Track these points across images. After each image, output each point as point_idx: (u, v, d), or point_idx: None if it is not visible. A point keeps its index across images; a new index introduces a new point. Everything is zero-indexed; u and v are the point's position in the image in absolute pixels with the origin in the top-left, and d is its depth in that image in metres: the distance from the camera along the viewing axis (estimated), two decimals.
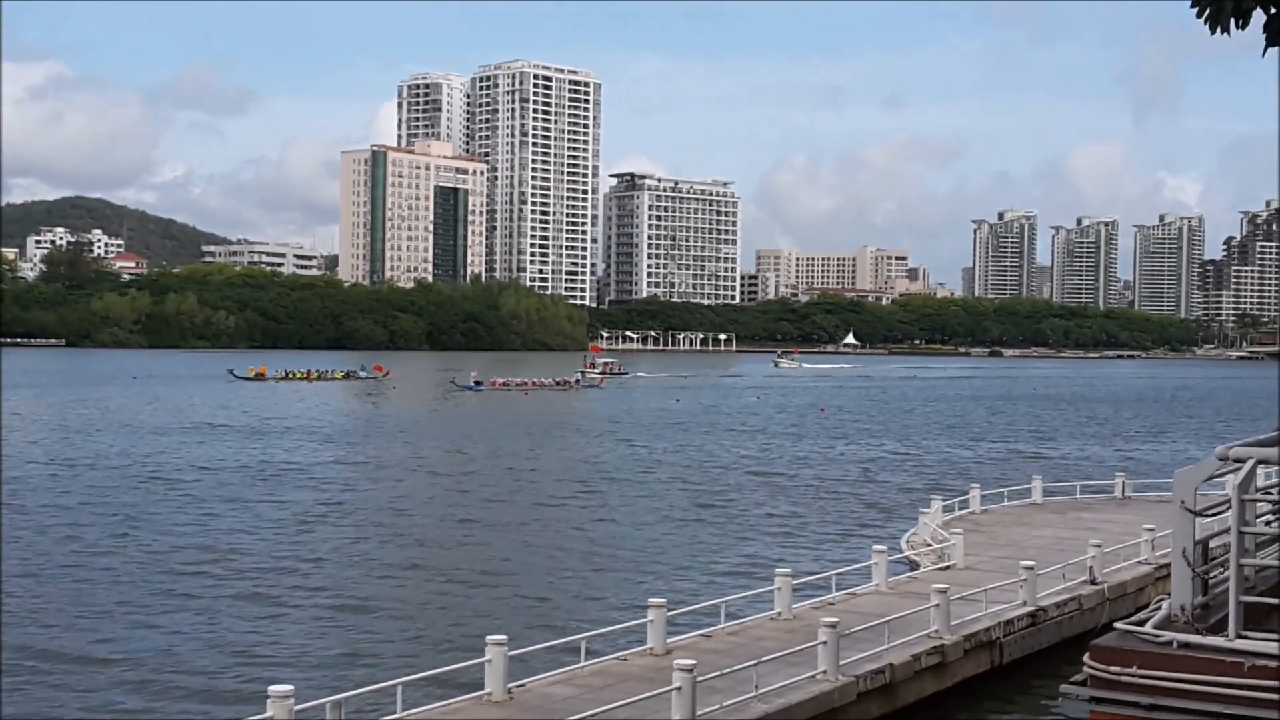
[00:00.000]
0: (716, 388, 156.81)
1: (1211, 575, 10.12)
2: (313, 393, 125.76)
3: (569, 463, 62.57)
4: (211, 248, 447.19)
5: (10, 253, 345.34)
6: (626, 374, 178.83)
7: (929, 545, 30.58)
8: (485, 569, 33.95)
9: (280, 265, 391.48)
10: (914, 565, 29.57)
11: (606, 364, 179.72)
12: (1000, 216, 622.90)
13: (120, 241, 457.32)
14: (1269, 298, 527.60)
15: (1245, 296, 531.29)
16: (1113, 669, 9.23)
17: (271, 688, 15.37)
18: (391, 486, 52.33)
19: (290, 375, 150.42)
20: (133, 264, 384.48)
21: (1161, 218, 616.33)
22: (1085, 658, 9.44)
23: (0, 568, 32.25)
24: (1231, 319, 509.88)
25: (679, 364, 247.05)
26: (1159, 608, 9.87)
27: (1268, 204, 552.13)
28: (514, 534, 40.12)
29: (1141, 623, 9.66)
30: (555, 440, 75.88)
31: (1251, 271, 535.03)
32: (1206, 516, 10.29)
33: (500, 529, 41.08)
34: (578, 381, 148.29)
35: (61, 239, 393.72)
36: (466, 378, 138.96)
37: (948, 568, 28.11)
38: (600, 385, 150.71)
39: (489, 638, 18.23)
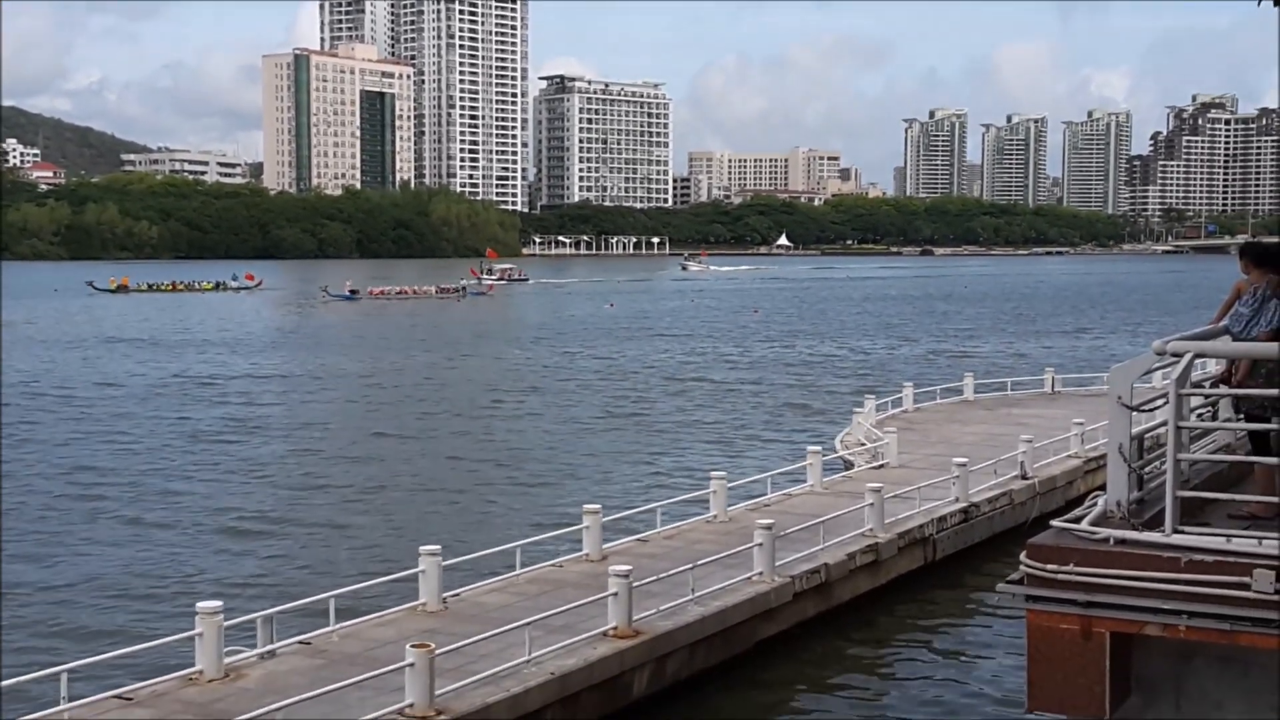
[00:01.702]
0: (647, 292, 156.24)
1: (1146, 471, 10.06)
2: (186, 304, 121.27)
3: (491, 373, 61.89)
4: (131, 156, 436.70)
5: None
6: (527, 280, 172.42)
7: (863, 445, 30.73)
8: (413, 482, 33.56)
9: (203, 174, 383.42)
10: (848, 465, 29.73)
11: (505, 270, 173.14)
12: (931, 115, 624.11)
13: (36, 151, 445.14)
14: (1194, 192, 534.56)
15: (1171, 191, 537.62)
16: (1049, 567, 9.15)
17: (200, 604, 15.09)
18: (301, 401, 51.22)
19: (155, 287, 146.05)
20: (50, 174, 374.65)
21: (1090, 114, 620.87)
22: (1021, 556, 9.36)
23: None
24: (1158, 214, 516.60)
25: (613, 268, 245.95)
26: (1095, 504, 9.79)
27: (1193, 99, 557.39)
28: (441, 446, 39.67)
29: (1078, 520, 9.59)
30: (473, 349, 74.90)
31: (1178, 166, 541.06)
32: (1143, 411, 10.20)
33: (425, 441, 40.59)
34: (464, 289, 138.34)
35: None
36: (340, 286, 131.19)
37: (881, 466, 28.27)
38: (489, 293, 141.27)
39: (422, 548, 18.06)
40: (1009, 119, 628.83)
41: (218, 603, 15.13)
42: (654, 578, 18.06)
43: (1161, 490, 9.41)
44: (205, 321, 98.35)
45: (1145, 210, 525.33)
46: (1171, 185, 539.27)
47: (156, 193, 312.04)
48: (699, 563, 18.61)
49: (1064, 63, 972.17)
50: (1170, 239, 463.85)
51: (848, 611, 20.88)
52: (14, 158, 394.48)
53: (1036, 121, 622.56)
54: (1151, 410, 10.72)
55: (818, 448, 27.52)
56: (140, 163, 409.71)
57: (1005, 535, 24.59)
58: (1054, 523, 9.48)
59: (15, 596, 22.82)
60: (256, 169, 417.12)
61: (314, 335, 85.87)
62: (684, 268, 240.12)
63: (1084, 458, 28.64)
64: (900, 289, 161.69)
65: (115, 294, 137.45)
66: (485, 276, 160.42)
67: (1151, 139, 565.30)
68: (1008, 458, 27.32)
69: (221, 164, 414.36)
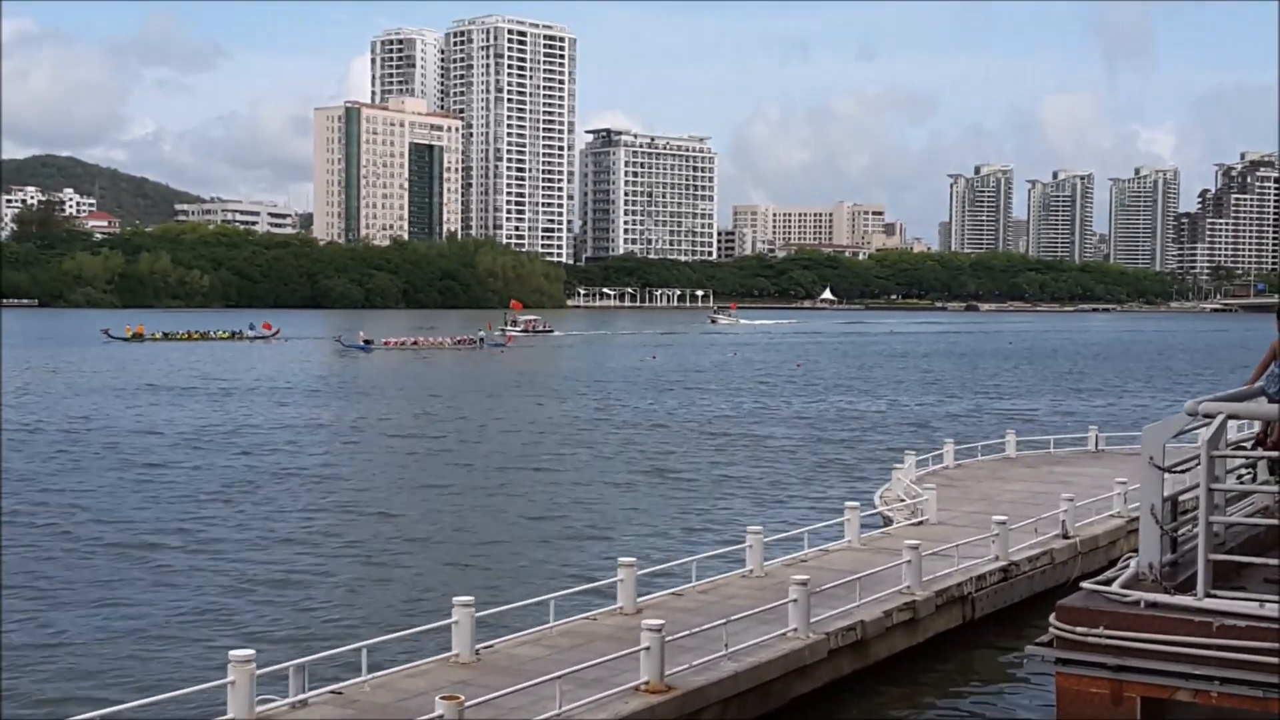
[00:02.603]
0: (690, 344, 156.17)
1: (1180, 532, 9.94)
2: (203, 353, 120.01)
3: (525, 423, 61.54)
4: (184, 206, 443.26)
5: None
6: (552, 332, 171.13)
7: (902, 500, 30.52)
8: (447, 533, 33.45)
9: (254, 224, 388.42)
10: (887, 521, 29.52)
11: (529, 321, 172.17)
12: (977, 170, 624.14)
13: (92, 200, 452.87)
14: (1243, 250, 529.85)
15: (1220, 249, 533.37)
16: (1079, 630, 9.07)
17: (232, 653, 15.12)
18: (332, 451, 50.80)
19: (170, 336, 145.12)
20: (105, 223, 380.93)
21: (1137, 170, 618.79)
22: (1051, 618, 9.27)
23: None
24: (1206, 271, 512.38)
25: (654, 321, 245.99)
26: (1127, 566, 9.69)
27: (1242, 156, 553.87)
28: (475, 497, 39.52)
29: (1108, 582, 9.50)
30: (503, 401, 74.48)
31: (1226, 224, 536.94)
32: (1175, 472, 10.10)
33: (459, 492, 40.44)
34: (482, 340, 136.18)
35: (33, 198, 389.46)
36: (355, 337, 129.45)
37: (921, 523, 28.05)
38: (508, 345, 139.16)
39: (455, 599, 18.05)
40: (1055, 175, 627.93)
41: (250, 651, 15.16)
42: (687, 632, 17.95)
43: (1195, 553, 9.31)
44: (226, 371, 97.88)
45: (1194, 268, 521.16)
46: (1220, 243, 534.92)
47: (208, 242, 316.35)
48: (733, 618, 18.50)
49: (1110, 118, 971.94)
50: (1219, 297, 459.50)
51: (884, 670, 20.65)
52: (70, 207, 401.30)
53: (1083, 178, 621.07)
54: (1186, 471, 10.62)
55: (856, 503, 27.36)
56: (193, 213, 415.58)
57: (1046, 595, 24.22)
58: (1084, 584, 9.38)
59: (49, 645, 22.96)
60: (306, 219, 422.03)
61: (339, 385, 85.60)
62: (713, 320, 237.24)
63: (1127, 517, 28.26)
64: (943, 344, 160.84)
65: (130, 342, 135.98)
66: (509, 328, 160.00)
67: (1200, 196, 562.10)
68: (1049, 516, 27.05)
69: (272, 214, 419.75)
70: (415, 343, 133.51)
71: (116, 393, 76.70)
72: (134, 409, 66.63)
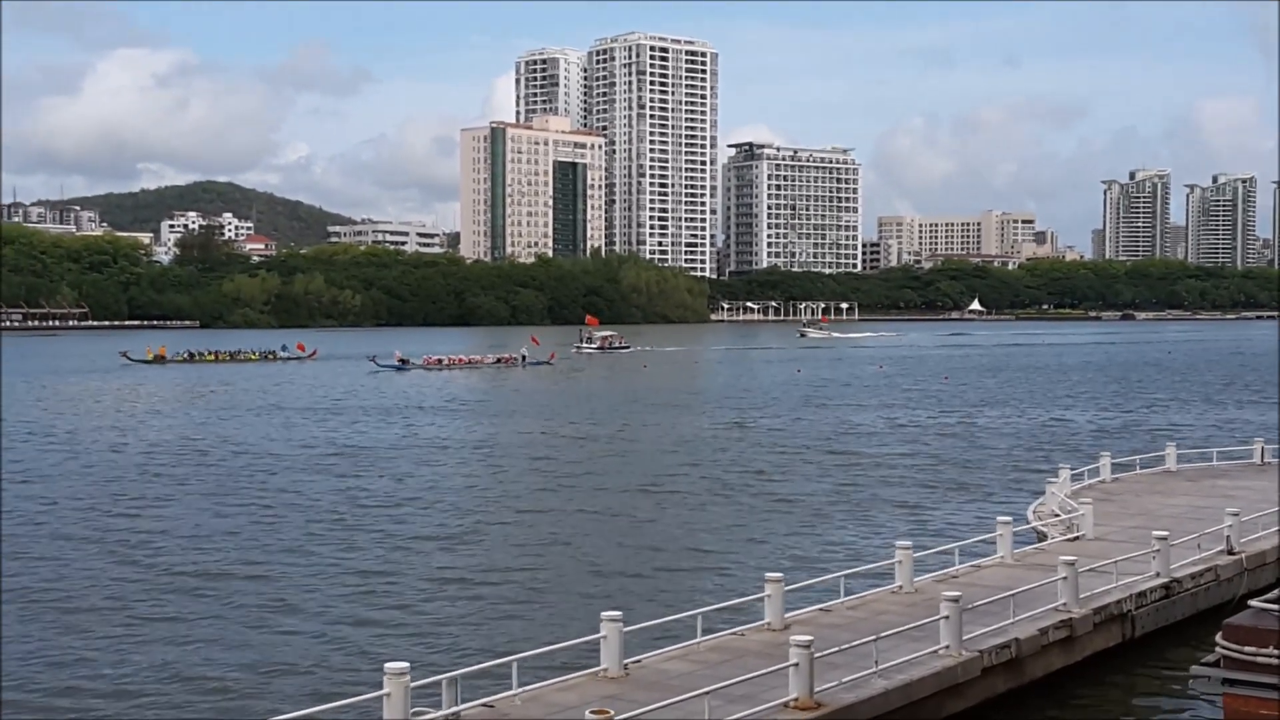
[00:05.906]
0: (827, 359, 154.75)
1: None
2: (247, 373, 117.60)
3: (669, 440, 61.10)
4: (337, 228, 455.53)
5: (145, 238, 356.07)
6: (628, 348, 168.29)
7: (1057, 515, 29.78)
8: (591, 550, 33.47)
9: (404, 244, 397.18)
10: (1041, 536, 28.84)
11: (605, 337, 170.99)
12: (1131, 176, 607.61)
13: (249, 224, 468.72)
14: None
15: None
16: (1247, 649, 8.73)
17: (387, 665, 15.46)
18: (474, 469, 50.81)
19: (196, 356, 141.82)
20: (262, 246, 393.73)
21: None
22: (1218, 637, 8.94)
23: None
24: None
25: (759, 336, 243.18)
26: None
27: None
28: (621, 513, 39.40)
29: (1277, 600, 9.10)
30: (643, 415, 74.28)
31: None
32: None
33: (603, 507, 40.41)
34: (524, 359, 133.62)
35: (194, 223, 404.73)
36: (390, 356, 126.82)
37: (1076, 538, 27.39)
38: (551, 361, 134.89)
39: (604, 614, 18.18)
40: (1214, 179, 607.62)
41: (404, 664, 15.46)
42: (836, 649, 17.80)
43: None
44: (290, 389, 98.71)
45: None
46: None
47: (359, 262, 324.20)
48: (883, 634, 18.29)
49: (1271, 119, 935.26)
50: None
51: (1040, 689, 20.18)
52: (230, 230, 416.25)
53: (1245, 181, 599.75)
54: None
55: (1008, 518, 26.79)
56: (345, 234, 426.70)
57: (1210, 613, 23.45)
58: (1252, 603, 9.01)
59: (209, 666, 23.73)
60: (453, 238, 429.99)
61: (457, 406, 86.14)
62: (802, 334, 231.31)
63: None
64: (1098, 355, 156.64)
65: (151, 365, 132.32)
66: (585, 344, 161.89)
67: None
68: (1213, 531, 26.17)
69: (421, 234, 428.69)
70: (454, 361, 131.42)
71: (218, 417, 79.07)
72: (285, 427, 68.57)
